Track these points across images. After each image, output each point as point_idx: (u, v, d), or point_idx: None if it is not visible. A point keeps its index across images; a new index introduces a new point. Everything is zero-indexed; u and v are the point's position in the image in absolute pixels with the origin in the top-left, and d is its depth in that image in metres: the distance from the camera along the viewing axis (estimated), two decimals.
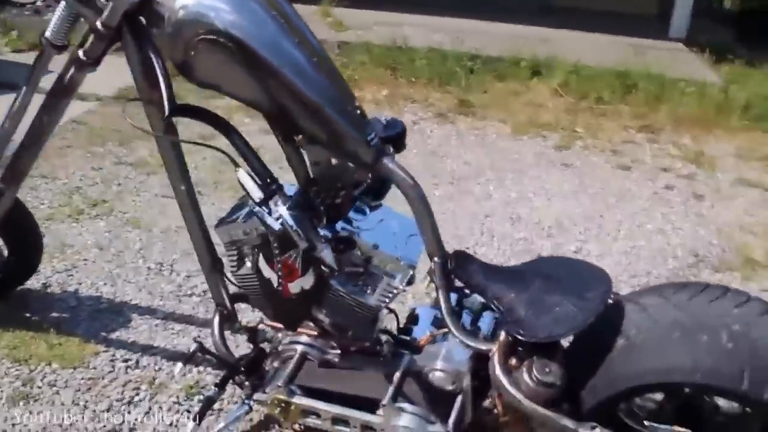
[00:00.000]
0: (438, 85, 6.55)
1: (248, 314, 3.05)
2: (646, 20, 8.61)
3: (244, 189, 2.09)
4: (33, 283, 3.28)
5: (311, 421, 2.40)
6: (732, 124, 6.19)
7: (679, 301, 2.13)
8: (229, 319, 2.56)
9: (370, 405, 2.34)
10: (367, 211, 2.31)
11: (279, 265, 2.22)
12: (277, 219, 2.06)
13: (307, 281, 2.24)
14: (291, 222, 2.05)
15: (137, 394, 2.77)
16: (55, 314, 3.16)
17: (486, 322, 2.45)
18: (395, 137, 2.26)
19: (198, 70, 2.02)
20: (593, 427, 2.09)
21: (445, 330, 2.33)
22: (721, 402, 2.25)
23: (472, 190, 4.65)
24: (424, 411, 2.29)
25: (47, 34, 2.28)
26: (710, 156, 5.62)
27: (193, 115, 2.20)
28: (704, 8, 8.55)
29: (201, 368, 2.87)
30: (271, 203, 2.07)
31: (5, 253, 3.05)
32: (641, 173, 5.24)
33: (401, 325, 2.56)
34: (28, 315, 3.13)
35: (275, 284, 2.28)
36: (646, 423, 2.15)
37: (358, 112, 2.12)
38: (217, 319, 2.54)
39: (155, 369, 2.89)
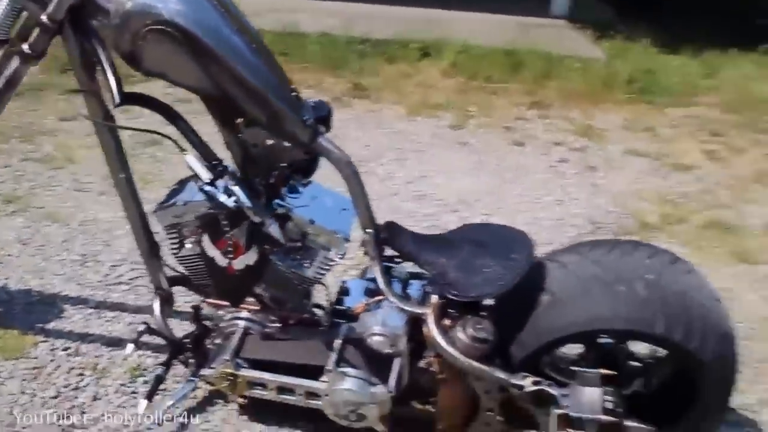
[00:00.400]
0: (331, 70, 6.61)
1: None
2: None
3: (193, 171, 2.22)
4: None
5: (257, 392, 2.54)
6: (617, 98, 6.48)
7: (596, 257, 2.36)
8: (167, 302, 2.67)
9: (312, 373, 2.48)
10: (300, 188, 2.44)
11: (227, 243, 2.34)
12: (230, 196, 2.19)
13: (250, 257, 2.37)
14: (244, 198, 2.19)
15: (82, 380, 2.83)
16: None
17: (415, 289, 2.61)
18: (324, 118, 2.40)
19: (146, 60, 2.10)
20: (525, 377, 2.28)
21: (379, 298, 2.51)
22: (636, 349, 2.49)
23: (376, 171, 4.79)
24: (365, 374, 2.44)
25: None
26: (599, 129, 5.90)
27: (141, 103, 2.31)
28: None
29: (141, 352, 2.95)
30: (220, 183, 2.21)
31: None
32: (535, 148, 5.46)
33: (334, 299, 2.69)
34: None
35: (219, 262, 2.40)
36: (573, 368, 2.34)
37: (294, 94, 2.28)
38: (157, 302, 2.65)
39: (95, 355, 2.96)
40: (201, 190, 2.26)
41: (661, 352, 2.46)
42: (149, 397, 2.57)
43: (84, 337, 3.06)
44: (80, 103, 2.35)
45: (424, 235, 2.59)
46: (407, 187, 4.66)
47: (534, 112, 6.14)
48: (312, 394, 2.49)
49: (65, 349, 2.99)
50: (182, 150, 2.25)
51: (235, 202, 2.21)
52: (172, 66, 2.12)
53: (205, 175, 2.21)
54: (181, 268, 2.59)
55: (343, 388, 2.43)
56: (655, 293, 2.24)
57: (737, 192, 4.97)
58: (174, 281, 2.69)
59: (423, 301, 2.52)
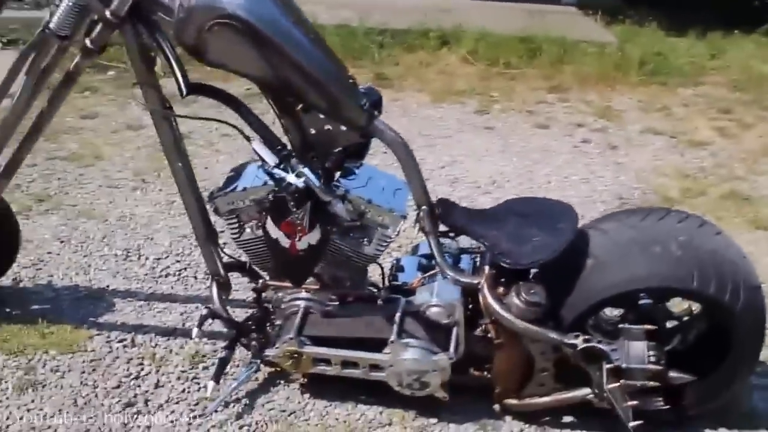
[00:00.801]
0: (351, 61, 6.60)
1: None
2: None
3: (259, 156, 2.32)
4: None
5: (321, 368, 2.61)
6: (631, 80, 6.66)
7: (632, 223, 2.53)
8: (225, 287, 2.74)
9: (372, 347, 2.56)
10: (355, 170, 2.53)
11: (291, 224, 2.42)
12: (299, 176, 2.28)
13: (313, 237, 2.45)
14: (312, 178, 2.28)
15: (142, 369, 2.88)
16: (36, 306, 3.22)
17: (465, 262, 2.71)
18: (375, 102, 2.49)
19: (210, 52, 2.21)
20: (577, 336, 2.42)
21: (433, 272, 2.62)
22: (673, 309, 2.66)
23: None
24: (426, 343, 2.52)
25: (51, 25, 2.38)
26: (617, 110, 6.06)
27: (206, 93, 2.42)
28: None
29: (196, 340, 2.98)
30: (286, 166, 2.32)
31: None
32: (558, 130, 5.59)
33: (388, 275, 2.80)
34: (8, 310, 3.18)
35: (283, 243, 2.47)
36: (620, 326, 2.51)
37: (351, 81, 2.38)
38: (215, 288, 2.72)
39: (152, 345, 3.01)
40: (267, 173, 2.37)
41: (696, 309, 2.64)
42: (216, 379, 2.64)
43: (138, 329, 3.10)
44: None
45: (474, 209, 2.72)
46: (440, 171, 4.73)
47: (554, 96, 6.29)
48: (375, 367, 2.57)
49: (121, 341, 3.02)
50: (246, 138, 2.36)
51: (305, 182, 2.30)
52: (236, 57, 2.24)
53: (272, 159, 2.30)
54: (236, 255, 2.67)
55: (406, 357, 2.51)
56: (688, 252, 2.41)
57: (750, 165, 5.15)
58: (230, 267, 2.76)
59: (474, 272, 2.63)
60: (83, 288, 3.37)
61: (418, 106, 5.93)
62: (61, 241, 3.74)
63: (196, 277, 3.47)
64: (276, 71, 2.24)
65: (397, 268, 2.79)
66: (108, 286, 3.40)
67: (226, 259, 2.75)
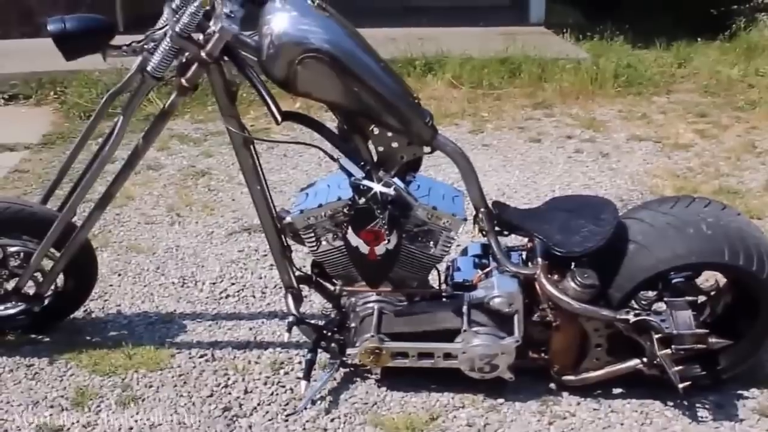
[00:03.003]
0: None
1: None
2: (502, 10, 9.38)
3: (346, 171, 2.65)
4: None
5: (399, 361, 2.91)
6: (608, 92, 7.10)
7: (665, 210, 2.89)
8: (298, 299, 3.04)
9: (441, 339, 2.88)
10: (415, 182, 2.86)
11: (371, 232, 2.74)
12: (387, 186, 2.62)
13: (391, 242, 2.77)
14: (401, 185, 2.62)
15: (229, 379, 3.14)
16: (113, 333, 3.48)
17: (515, 258, 3.03)
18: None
19: (299, 83, 2.55)
20: (627, 312, 2.78)
21: (489, 268, 2.95)
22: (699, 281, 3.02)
23: None
24: (494, 330, 2.85)
25: (148, 68, 2.69)
26: (601, 120, 6.47)
27: (297, 120, 2.78)
28: None
29: (272, 350, 3.32)
30: (371, 178, 2.65)
31: (60, 282, 3.33)
32: (551, 143, 5.97)
33: (445, 275, 3.11)
34: (88, 338, 3.43)
35: (362, 250, 2.79)
36: (665, 300, 2.86)
37: (416, 101, 2.73)
38: (290, 300, 3.02)
39: (231, 358, 3.27)
40: (353, 185, 2.67)
41: (721, 283, 3.04)
42: (306, 378, 2.92)
43: (214, 345, 3.36)
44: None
45: (524, 209, 3.09)
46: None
47: (540, 112, 6.68)
48: (448, 355, 2.87)
49: (202, 356, 3.28)
50: (333, 159, 2.71)
51: (395, 190, 2.62)
52: (321, 86, 2.58)
53: (359, 172, 2.63)
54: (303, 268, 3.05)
55: (478, 344, 2.82)
56: (717, 231, 2.79)
57: (733, 162, 5.56)
58: (301, 280, 3.07)
59: (526, 265, 2.97)
60: (152, 313, 3.64)
61: None
62: (119, 275, 4.00)
63: (254, 296, 3.76)
64: (356, 97, 2.58)
65: (454, 268, 3.10)
66: (175, 310, 3.67)
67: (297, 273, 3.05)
